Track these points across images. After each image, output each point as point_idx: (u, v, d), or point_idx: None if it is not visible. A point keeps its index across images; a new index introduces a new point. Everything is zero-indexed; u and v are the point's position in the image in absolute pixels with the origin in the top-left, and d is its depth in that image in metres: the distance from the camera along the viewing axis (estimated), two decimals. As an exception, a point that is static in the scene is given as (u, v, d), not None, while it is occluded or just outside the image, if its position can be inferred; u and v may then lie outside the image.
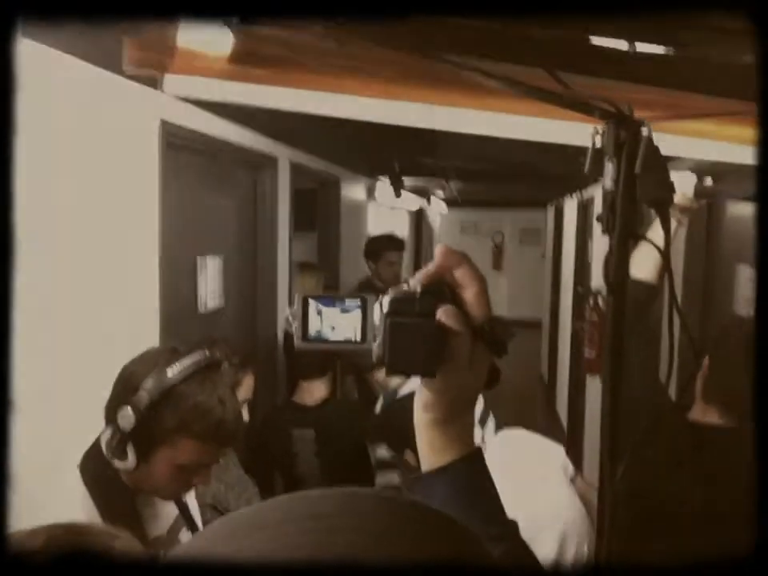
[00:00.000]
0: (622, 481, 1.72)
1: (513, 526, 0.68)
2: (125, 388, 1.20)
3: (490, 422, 2.13)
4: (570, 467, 1.99)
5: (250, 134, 2.53)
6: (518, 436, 1.93)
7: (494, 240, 11.92)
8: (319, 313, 0.62)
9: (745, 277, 2.58)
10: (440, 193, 7.47)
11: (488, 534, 0.63)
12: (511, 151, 2.69)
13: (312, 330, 0.62)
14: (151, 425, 1.18)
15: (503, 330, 0.64)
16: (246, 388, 2.02)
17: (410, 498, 0.42)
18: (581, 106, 1.07)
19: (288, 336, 2.76)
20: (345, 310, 0.62)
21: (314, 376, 2.54)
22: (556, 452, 1.83)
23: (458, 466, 0.65)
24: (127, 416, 1.17)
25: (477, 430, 2.09)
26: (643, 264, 1.83)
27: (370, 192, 4.98)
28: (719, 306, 2.98)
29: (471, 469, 0.66)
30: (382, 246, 3.97)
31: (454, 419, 0.66)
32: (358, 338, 0.61)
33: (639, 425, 1.68)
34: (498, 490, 0.68)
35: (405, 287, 0.61)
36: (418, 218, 8.54)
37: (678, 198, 1.82)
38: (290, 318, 0.65)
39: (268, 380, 2.98)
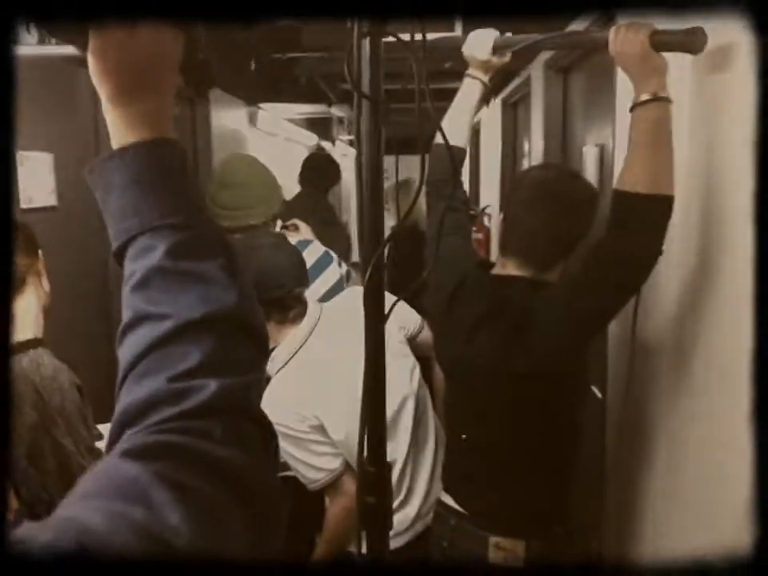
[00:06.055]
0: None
1: (196, 216, 0.67)
2: None
3: None
4: (412, 326, 2.07)
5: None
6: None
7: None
8: None
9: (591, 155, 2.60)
10: (346, 136, 7.34)
11: (169, 222, 0.63)
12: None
13: None
14: None
15: None
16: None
17: None
18: None
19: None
20: None
21: None
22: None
23: (135, 150, 0.64)
24: None
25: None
26: (453, 127, 1.82)
27: (251, 119, 4.40)
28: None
29: (152, 155, 0.64)
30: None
31: (131, 98, 0.64)
32: None
33: (451, 284, 1.70)
34: None
35: None
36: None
37: (474, 53, 1.80)
38: None
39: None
